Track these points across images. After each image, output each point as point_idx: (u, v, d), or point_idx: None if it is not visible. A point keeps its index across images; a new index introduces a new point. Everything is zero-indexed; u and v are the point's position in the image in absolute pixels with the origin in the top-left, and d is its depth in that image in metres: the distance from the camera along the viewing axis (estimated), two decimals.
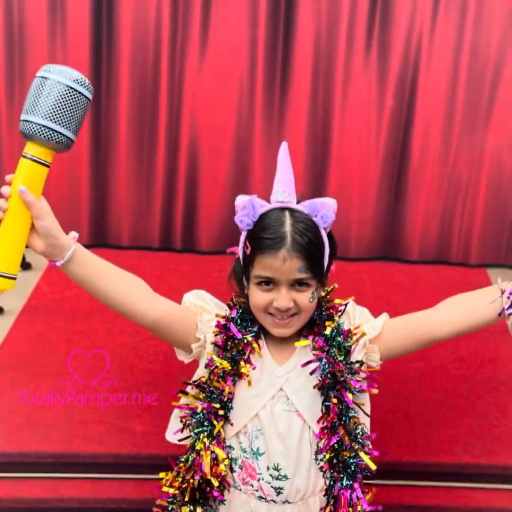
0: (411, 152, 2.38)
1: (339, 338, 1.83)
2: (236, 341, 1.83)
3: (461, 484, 2.54)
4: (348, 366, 1.82)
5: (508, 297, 1.77)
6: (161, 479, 1.93)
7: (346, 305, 1.89)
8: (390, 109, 2.35)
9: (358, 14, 2.29)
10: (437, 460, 2.52)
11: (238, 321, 1.85)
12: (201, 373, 1.86)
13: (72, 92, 1.59)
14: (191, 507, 1.87)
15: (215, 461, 1.81)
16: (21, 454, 2.44)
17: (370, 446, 1.86)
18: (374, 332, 1.84)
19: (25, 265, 2.37)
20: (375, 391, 1.87)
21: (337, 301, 1.90)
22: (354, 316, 1.88)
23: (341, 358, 1.81)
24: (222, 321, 1.85)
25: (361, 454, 1.82)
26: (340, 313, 1.87)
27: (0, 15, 2.28)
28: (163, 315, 1.80)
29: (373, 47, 2.31)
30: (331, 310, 1.87)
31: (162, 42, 2.30)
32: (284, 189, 1.77)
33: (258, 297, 1.78)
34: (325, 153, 2.36)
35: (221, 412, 1.82)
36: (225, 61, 2.30)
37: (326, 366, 1.80)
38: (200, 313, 1.85)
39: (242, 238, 1.81)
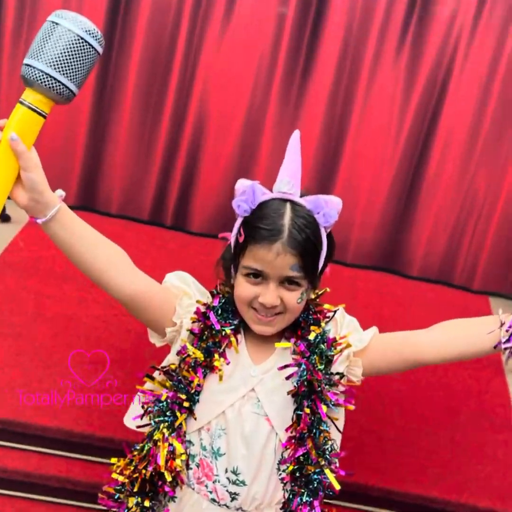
0: (429, 160, 2.38)
1: (322, 346, 1.82)
2: (214, 332, 1.82)
3: None
4: (328, 376, 1.81)
5: (507, 330, 1.76)
6: (112, 464, 1.93)
7: (335, 312, 1.88)
8: (414, 113, 2.35)
9: (395, 11, 2.28)
10: (404, 490, 2.51)
11: (219, 311, 1.84)
12: (171, 359, 1.86)
13: (82, 42, 1.58)
14: (139, 499, 1.86)
15: (172, 454, 1.81)
16: None
17: (337, 464, 1.86)
18: (360, 345, 1.84)
19: (4, 217, 2.37)
20: (351, 407, 1.86)
21: (326, 306, 1.89)
22: (342, 324, 1.88)
23: (321, 367, 1.81)
24: (202, 309, 1.84)
25: (327, 471, 1.82)
26: (327, 320, 1.87)
27: None
28: (140, 292, 1.79)
29: (406, 45, 2.31)
30: (318, 315, 1.87)
31: (185, 3, 2.28)
32: (289, 180, 1.75)
33: (244, 288, 1.76)
34: (338, 148, 2.36)
35: (186, 404, 1.81)
36: (248, 35, 2.29)
37: (304, 372, 1.80)
38: (180, 296, 1.84)
39: (237, 224, 1.79)
